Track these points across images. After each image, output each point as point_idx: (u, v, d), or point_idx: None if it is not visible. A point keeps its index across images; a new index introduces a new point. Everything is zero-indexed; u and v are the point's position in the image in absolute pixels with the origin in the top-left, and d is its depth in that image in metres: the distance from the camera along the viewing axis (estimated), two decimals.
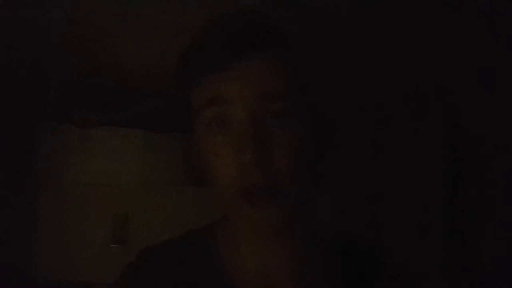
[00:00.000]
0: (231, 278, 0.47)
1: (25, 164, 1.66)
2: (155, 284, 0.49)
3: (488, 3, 0.90)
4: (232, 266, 0.48)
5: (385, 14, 0.95)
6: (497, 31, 0.98)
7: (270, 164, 0.39)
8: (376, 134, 1.77)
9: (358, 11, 0.95)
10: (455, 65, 1.28)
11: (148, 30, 1.15)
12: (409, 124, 1.57)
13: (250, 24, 0.41)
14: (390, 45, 1.15)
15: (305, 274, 0.47)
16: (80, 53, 1.36)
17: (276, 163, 0.40)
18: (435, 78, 1.40)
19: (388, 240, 1.55)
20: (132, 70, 1.39)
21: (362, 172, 1.79)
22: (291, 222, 0.45)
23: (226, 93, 0.40)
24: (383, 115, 1.72)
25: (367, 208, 1.74)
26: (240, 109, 0.40)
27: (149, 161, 1.89)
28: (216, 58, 0.40)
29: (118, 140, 1.82)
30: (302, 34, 0.48)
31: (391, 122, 1.67)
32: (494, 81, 1.12)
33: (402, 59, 1.26)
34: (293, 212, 0.44)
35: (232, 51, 0.39)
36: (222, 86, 0.40)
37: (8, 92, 1.53)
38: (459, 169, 1.34)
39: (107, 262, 1.71)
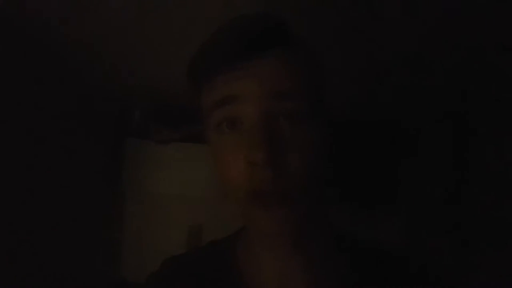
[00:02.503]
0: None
1: (113, 176, 1.84)
2: None
3: None
4: (250, 276, 0.47)
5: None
6: None
7: (282, 165, 0.37)
8: (456, 150, 1.64)
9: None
10: None
11: None
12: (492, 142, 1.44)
13: (262, 24, 0.40)
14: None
15: (323, 283, 0.45)
16: (160, 79, 1.50)
17: (288, 165, 0.38)
18: None
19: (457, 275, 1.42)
20: None
21: (438, 194, 1.68)
22: (306, 227, 0.42)
23: (238, 91, 0.39)
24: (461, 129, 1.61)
25: (438, 235, 1.61)
26: (252, 107, 0.38)
27: None
28: (228, 57, 0.39)
29: (193, 154, 1.91)
30: (314, 35, 0.46)
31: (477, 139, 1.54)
32: None
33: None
34: (306, 216, 0.41)
35: (244, 50, 0.38)
36: (234, 84, 0.39)
37: (102, 115, 1.73)
38: None
39: None
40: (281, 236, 0.40)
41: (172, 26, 1.04)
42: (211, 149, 0.44)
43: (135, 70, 1.41)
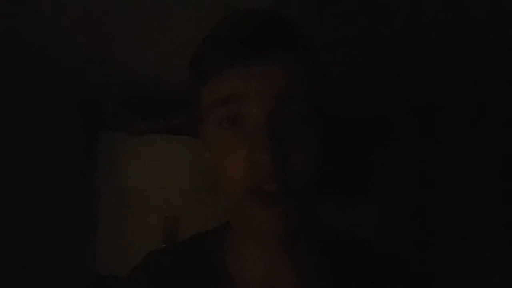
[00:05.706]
0: (236, 285, 0.46)
1: (86, 169, 1.81)
2: (160, 287, 0.48)
3: None
4: (237, 274, 0.46)
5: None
6: None
7: (284, 165, 0.38)
8: (423, 141, 1.69)
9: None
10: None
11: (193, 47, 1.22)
12: (460, 133, 1.49)
13: (270, 22, 0.40)
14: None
15: (312, 283, 0.45)
16: (132, 70, 1.48)
17: (290, 164, 0.38)
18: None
19: (432, 259, 1.47)
20: (178, 82, 1.48)
21: (408, 183, 1.73)
22: (297, 227, 0.42)
23: (245, 90, 0.38)
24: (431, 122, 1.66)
25: (411, 223, 1.66)
26: (257, 107, 0.38)
27: (197, 166, 1.92)
28: (237, 54, 0.38)
29: (168, 146, 1.91)
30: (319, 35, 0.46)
31: (441, 130, 1.59)
32: None
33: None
34: (299, 216, 0.41)
35: (252, 46, 0.38)
36: (241, 83, 0.38)
37: (74, 107, 1.69)
38: None
39: None
40: (276, 233, 0.40)
41: (150, 15, 1.03)
42: (207, 143, 0.44)
43: (107, 60, 1.38)
